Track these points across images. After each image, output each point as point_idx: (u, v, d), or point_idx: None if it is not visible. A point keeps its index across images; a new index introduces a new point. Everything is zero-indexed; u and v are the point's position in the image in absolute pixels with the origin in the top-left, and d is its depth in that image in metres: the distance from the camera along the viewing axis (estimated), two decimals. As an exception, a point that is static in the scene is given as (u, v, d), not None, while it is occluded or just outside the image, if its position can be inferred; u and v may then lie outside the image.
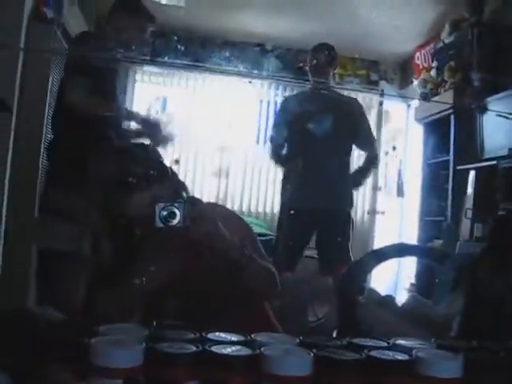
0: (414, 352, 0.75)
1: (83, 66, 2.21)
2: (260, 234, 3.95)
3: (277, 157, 3.39)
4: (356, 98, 3.62)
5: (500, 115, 2.77)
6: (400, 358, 0.74)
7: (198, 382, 0.69)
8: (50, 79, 2.85)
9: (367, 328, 1.56)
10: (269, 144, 3.52)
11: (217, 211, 1.44)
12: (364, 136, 3.32)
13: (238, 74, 4.80)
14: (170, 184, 1.40)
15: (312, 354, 0.71)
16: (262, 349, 0.71)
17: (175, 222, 1.25)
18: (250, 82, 4.98)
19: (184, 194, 1.41)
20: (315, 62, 3.21)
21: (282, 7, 4.17)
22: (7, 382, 0.70)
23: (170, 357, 0.68)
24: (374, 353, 0.75)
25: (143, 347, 0.68)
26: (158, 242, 1.32)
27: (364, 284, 2.18)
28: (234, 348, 0.72)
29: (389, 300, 1.98)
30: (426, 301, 2.11)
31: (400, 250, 2.24)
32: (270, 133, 3.65)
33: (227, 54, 4.74)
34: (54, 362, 0.75)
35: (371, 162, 3.39)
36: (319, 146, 3.09)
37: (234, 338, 0.78)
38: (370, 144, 3.36)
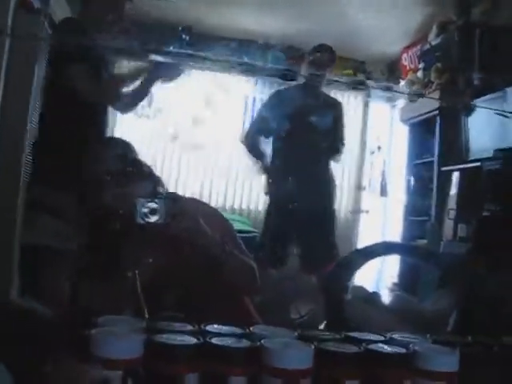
0: (411, 346, 0.76)
1: (76, 53, 2.17)
2: (244, 231, 3.94)
3: (255, 150, 3.36)
4: (336, 99, 3.65)
5: (499, 113, 2.80)
6: (399, 351, 0.74)
7: (199, 374, 0.68)
8: (37, 70, 2.80)
9: (354, 325, 1.56)
10: (247, 136, 3.46)
11: (197, 208, 1.45)
12: (337, 136, 3.35)
13: (229, 68, 4.77)
14: (148, 180, 1.41)
15: (312, 347, 0.71)
16: (263, 341, 0.71)
17: (156, 218, 1.25)
18: (249, 78, 4.94)
19: (161, 191, 1.42)
20: (312, 59, 3.25)
21: (269, 6, 4.17)
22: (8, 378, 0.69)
23: (170, 348, 0.68)
24: (372, 346, 0.75)
25: (143, 338, 0.68)
26: (139, 237, 1.32)
27: (349, 282, 2.19)
28: (233, 340, 0.72)
29: (375, 297, 1.99)
30: (411, 299, 2.13)
31: (386, 248, 2.25)
32: (250, 125, 3.57)
33: (229, 49, 4.70)
34: (51, 355, 0.74)
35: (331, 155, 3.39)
36: (305, 142, 3.12)
37: (234, 330, 0.78)
38: (338, 143, 3.37)
